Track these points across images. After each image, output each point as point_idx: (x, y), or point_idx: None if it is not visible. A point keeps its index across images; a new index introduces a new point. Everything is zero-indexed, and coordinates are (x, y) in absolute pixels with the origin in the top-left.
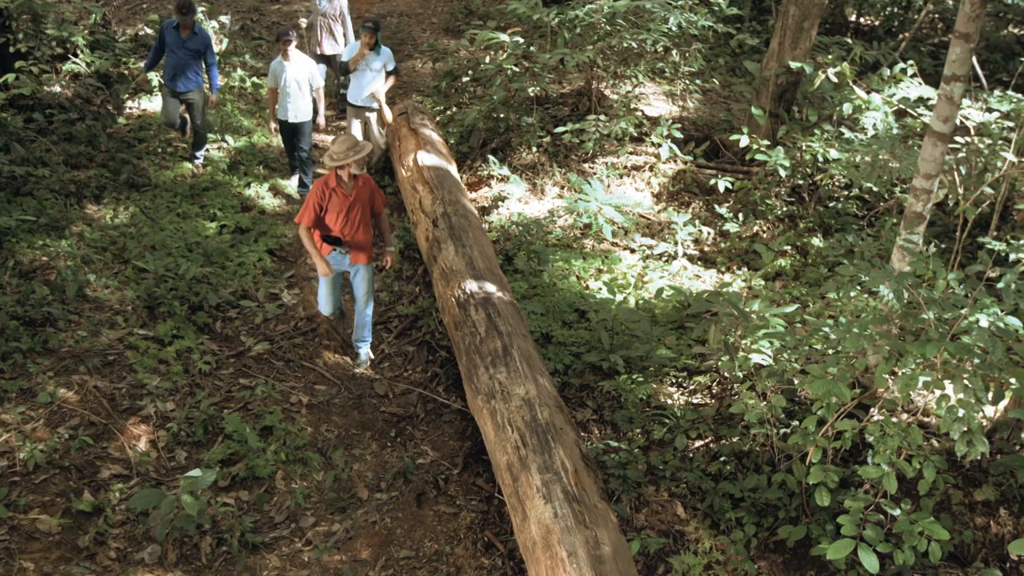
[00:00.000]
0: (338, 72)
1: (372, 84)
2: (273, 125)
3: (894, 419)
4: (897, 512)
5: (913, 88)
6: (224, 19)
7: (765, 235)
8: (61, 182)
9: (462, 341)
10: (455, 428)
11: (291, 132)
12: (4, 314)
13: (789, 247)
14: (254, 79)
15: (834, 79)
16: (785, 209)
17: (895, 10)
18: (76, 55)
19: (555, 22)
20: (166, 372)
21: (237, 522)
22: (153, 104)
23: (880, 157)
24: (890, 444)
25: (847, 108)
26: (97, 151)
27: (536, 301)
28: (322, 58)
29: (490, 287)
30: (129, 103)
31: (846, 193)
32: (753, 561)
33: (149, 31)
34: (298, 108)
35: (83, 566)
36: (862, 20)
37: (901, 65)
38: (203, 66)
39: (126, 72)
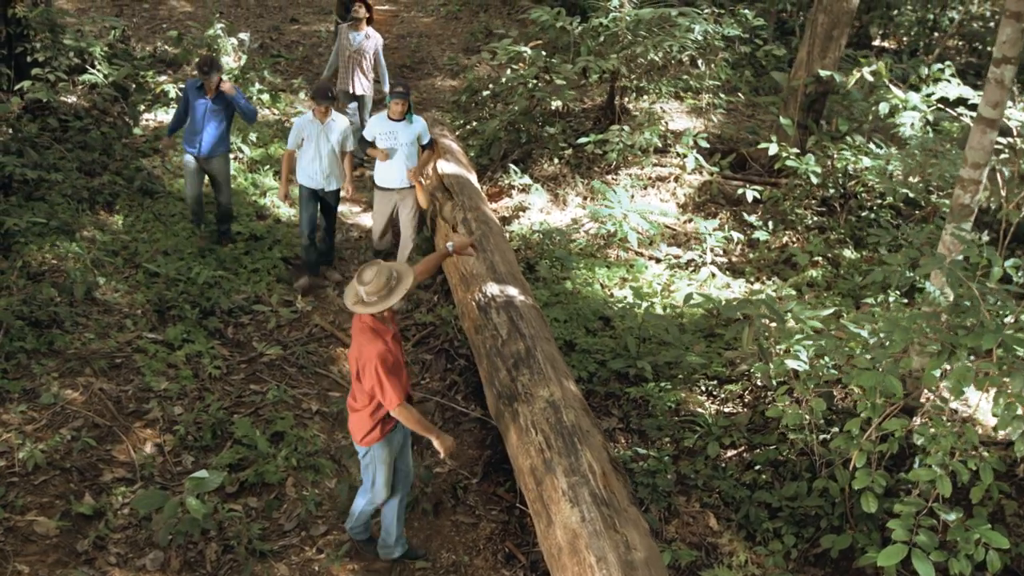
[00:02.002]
0: (359, 147)
1: (404, 161)
2: (286, 190)
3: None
4: (952, 517)
5: (952, 88)
6: (243, 36)
7: (795, 245)
8: (74, 187)
9: (483, 344)
10: (474, 437)
11: (317, 202)
12: (10, 314)
13: (820, 258)
14: (271, 93)
15: (870, 77)
16: (815, 219)
17: (922, 29)
18: (94, 66)
19: (578, 31)
20: (175, 376)
21: (245, 528)
22: (170, 115)
23: (922, 153)
24: (942, 445)
25: (884, 108)
26: (112, 159)
27: (559, 308)
28: (352, 97)
29: (512, 291)
30: (145, 115)
31: (879, 202)
32: (792, 574)
33: (168, 48)
34: (333, 175)
35: (81, 571)
36: (886, 43)
37: (939, 65)
38: (229, 125)
39: (143, 83)
